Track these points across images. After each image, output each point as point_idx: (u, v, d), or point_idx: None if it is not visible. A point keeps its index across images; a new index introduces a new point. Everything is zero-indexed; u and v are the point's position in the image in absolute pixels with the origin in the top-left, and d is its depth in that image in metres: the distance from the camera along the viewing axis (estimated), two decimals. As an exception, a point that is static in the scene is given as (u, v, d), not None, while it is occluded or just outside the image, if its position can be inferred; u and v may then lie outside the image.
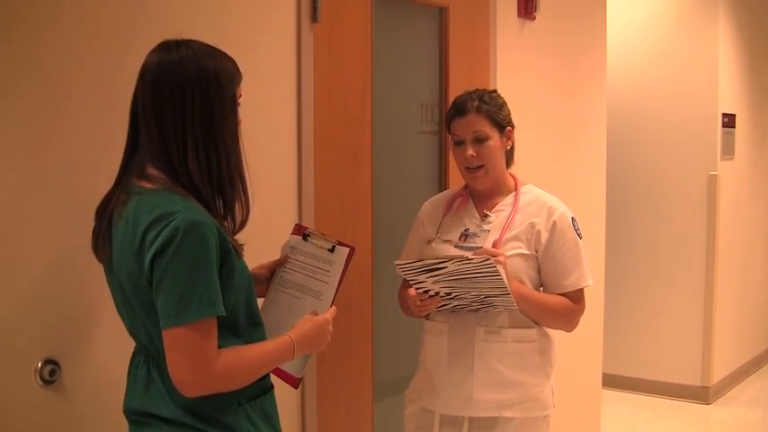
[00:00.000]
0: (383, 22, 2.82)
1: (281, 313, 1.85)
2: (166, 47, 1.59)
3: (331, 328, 1.77)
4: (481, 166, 2.21)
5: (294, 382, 1.83)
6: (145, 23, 2.02)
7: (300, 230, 1.95)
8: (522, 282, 2.18)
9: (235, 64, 1.63)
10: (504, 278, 1.99)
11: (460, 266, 1.96)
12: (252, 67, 2.31)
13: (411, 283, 2.07)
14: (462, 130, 2.22)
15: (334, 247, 1.89)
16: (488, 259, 1.93)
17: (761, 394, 5.35)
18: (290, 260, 1.92)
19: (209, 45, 1.61)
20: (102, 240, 1.62)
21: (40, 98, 1.82)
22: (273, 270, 1.93)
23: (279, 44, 2.41)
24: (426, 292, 2.09)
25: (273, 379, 1.75)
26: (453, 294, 2.09)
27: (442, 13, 3.09)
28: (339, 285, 1.86)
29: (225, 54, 1.62)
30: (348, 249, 1.89)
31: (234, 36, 2.25)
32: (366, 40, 2.72)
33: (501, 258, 2.06)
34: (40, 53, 1.81)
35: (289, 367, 1.81)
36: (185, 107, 1.54)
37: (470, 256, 1.95)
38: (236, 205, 1.63)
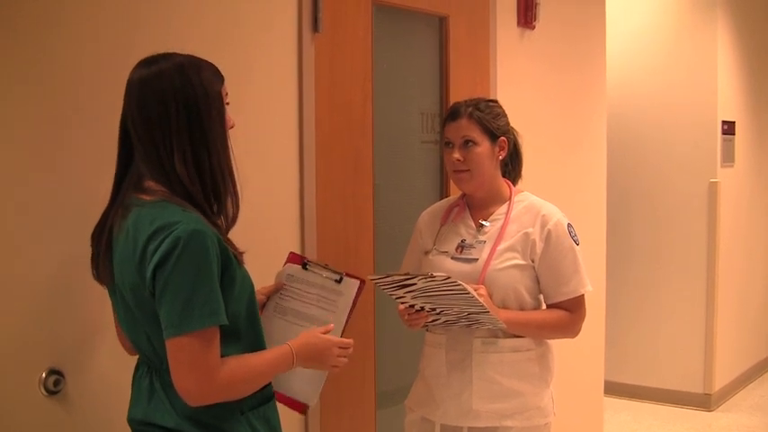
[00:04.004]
0: (384, 31, 2.84)
1: (277, 337, 1.80)
2: (147, 61, 1.61)
3: (336, 351, 1.75)
4: (467, 170, 2.22)
5: (300, 407, 1.81)
6: (146, 34, 2.03)
7: (297, 259, 1.93)
8: (518, 292, 2.19)
9: (214, 67, 1.64)
10: (480, 299, 1.99)
11: (427, 283, 1.96)
12: (254, 76, 2.33)
13: (392, 298, 2.08)
14: (452, 133, 2.25)
15: (341, 278, 1.87)
16: (449, 277, 1.92)
17: (763, 401, 5.33)
18: (286, 287, 1.90)
19: (188, 54, 1.63)
20: (102, 264, 1.63)
21: (43, 104, 1.82)
22: (269, 296, 1.92)
23: (280, 54, 2.43)
24: (413, 306, 2.10)
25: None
26: (438, 310, 2.09)
27: (443, 22, 3.11)
28: (349, 318, 1.85)
29: (204, 60, 1.63)
30: (358, 282, 1.87)
31: (236, 46, 2.26)
32: (367, 50, 2.74)
33: (481, 291, 2.07)
34: (41, 61, 1.82)
35: (299, 394, 1.79)
36: (169, 115, 1.55)
37: (435, 274, 1.95)
38: (228, 201, 1.63)
